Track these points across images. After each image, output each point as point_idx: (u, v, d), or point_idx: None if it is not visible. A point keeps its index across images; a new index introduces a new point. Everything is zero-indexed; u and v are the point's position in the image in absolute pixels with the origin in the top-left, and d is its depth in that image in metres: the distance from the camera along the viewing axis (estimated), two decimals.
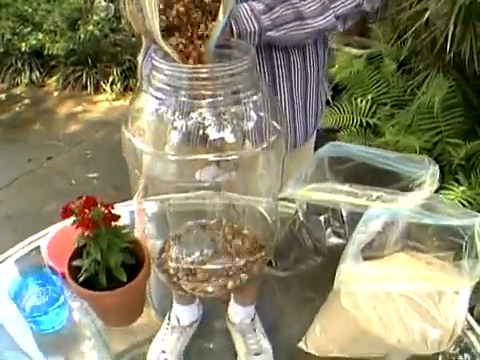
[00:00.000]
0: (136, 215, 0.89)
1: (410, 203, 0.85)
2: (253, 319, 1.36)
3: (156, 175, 0.76)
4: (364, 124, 2.99)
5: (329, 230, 0.86)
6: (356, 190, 0.83)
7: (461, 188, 2.30)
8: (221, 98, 0.71)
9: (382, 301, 0.75)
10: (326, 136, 2.87)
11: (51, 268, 1.01)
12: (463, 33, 2.28)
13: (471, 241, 0.80)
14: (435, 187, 0.89)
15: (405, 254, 0.86)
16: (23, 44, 3.89)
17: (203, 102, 0.71)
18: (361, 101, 3.05)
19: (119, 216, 0.75)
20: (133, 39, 3.90)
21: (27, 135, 3.51)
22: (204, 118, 0.71)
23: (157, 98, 0.71)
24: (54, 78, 4.14)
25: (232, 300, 1.37)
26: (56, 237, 1.09)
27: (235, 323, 1.36)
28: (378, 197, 0.84)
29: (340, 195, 0.83)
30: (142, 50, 1.09)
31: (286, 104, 1.15)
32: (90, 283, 0.79)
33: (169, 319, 1.33)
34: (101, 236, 0.74)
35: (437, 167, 0.92)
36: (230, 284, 0.90)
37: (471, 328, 0.98)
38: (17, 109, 3.91)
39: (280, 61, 1.09)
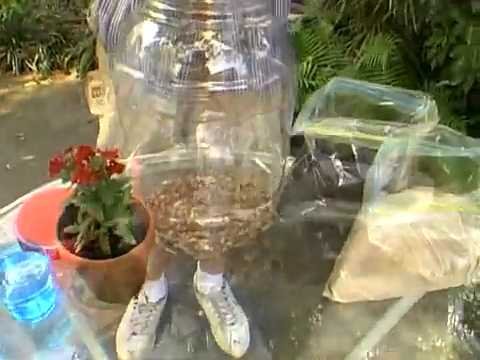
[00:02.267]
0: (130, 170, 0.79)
1: (419, 136, 0.82)
2: (224, 287, 1.31)
3: (159, 109, 0.66)
4: (307, 86, 2.98)
5: (341, 169, 0.80)
6: (368, 125, 0.79)
7: None
8: (229, 20, 0.62)
9: (410, 234, 0.71)
10: None
11: (26, 246, 0.87)
12: None
13: None
14: (436, 121, 0.87)
15: (414, 189, 0.82)
16: None
17: (209, 23, 0.61)
18: (301, 64, 3.03)
19: (124, 166, 0.64)
20: (57, 15, 3.68)
21: None
22: (211, 46, 0.63)
23: (158, 22, 0.61)
24: None
25: (199, 269, 1.31)
26: (25, 209, 0.94)
27: (205, 293, 1.30)
28: (390, 131, 0.80)
29: (352, 131, 0.78)
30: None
31: None
32: (86, 252, 0.67)
33: (135, 298, 1.24)
34: (103, 190, 0.63)
35: (434, 102, 0.91)
36: (229, 240, 0.83)
37: None
38: None
39: None
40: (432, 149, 0.81)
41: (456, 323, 0.91)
